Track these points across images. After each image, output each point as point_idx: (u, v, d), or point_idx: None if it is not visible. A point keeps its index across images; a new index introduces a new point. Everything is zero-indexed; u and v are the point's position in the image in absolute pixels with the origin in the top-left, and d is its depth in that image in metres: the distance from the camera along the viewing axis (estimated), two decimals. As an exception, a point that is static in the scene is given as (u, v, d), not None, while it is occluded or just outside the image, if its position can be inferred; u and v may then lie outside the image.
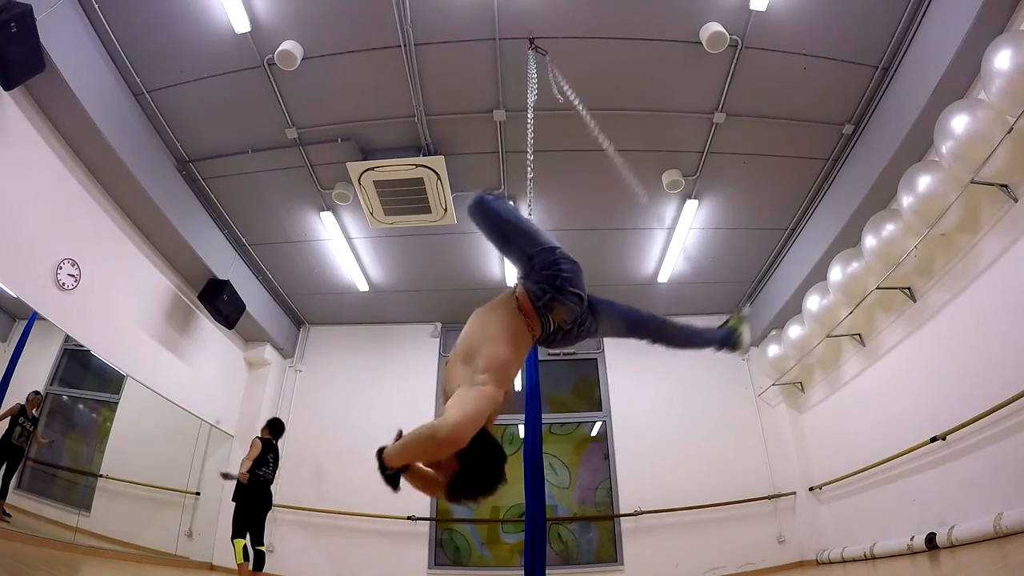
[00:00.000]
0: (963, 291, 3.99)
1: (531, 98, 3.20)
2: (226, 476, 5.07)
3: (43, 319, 4.05)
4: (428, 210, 5.08)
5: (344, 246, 5.94)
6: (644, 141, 4.83)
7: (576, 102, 3.18)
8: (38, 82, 3.53)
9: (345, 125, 4.68)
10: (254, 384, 6.86)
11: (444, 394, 1.85)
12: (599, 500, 6.41)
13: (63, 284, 4.15)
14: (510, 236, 2.07)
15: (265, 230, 5.82)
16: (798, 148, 4.85)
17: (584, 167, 4.96)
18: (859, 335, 5.24)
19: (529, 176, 3.00)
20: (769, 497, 6.05)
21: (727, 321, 2.64)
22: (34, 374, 4.29)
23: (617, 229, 5.76)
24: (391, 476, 1.67)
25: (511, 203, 2.40)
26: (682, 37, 4.02)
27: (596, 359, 7.05)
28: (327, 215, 5.52)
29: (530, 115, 3.14)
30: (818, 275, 5.31)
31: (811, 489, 5.93)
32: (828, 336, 5.37)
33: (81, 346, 4.54)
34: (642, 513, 5.99)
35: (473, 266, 6.34)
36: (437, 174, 4.75)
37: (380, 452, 1.68)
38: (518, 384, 7.50)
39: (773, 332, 6.31)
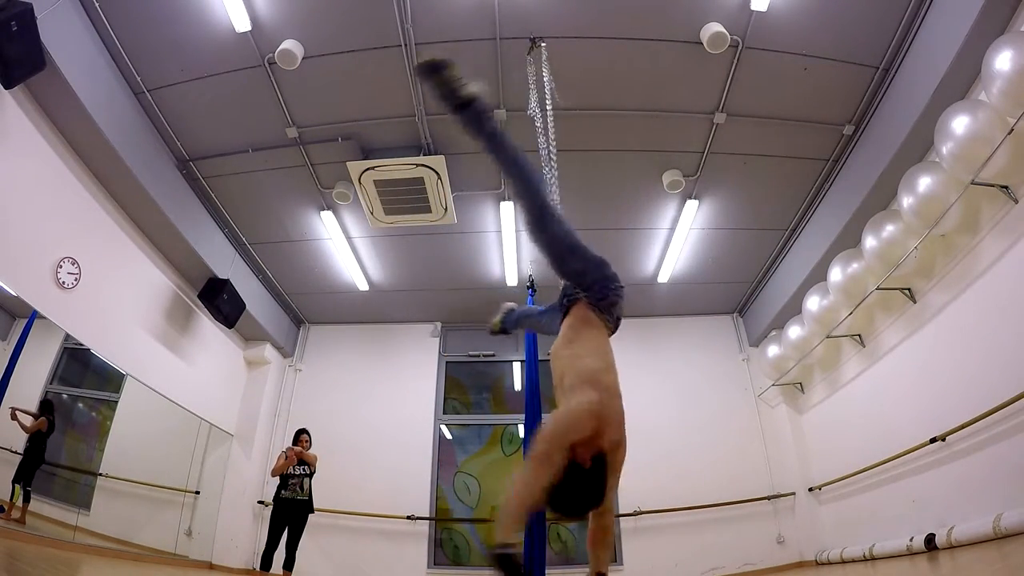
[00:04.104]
0: (963, 292, 3.99)
1: (534, 99, 3.19)
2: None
3: (43, 318, 4.04)
4: (428, 209, 5.08)
5: (344, 245, 5.94)
6: (644, 141, 4.84)
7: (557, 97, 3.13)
8: (38, 81, 3.53)
9: (345, 124, 4.68)
10: (254, 383, 6.85)
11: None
12: (598, 500, 6.40)
13: (63, 283, 4.15)
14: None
15: (265, 229, 5.82)
16: (798, 148, 4.86)
17: (585, 167, 4.96)
18: (859, 336, 5.23)
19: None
20: (768, 497, 6.04)
21: None
22: (34, 373, 4.28)
23: (617, 229, 5.76)
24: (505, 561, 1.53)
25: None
26: (683, 37, 4.02)
27: (596, 359, 7.04)
28: (327, 214, 5.52)
29: (530, 111, 3.13)
30: (818, 276, 5.31)
31: (810, 489, 5.92)
32: (828, 337, 5.37)
33: (81, 345, 4.54)
34: (642, 513, 5.99)
35: (473, 266, 6.34)
36: (437, 173, 4.75)
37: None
38: (518, 384, 7.50)
39: (773, 332, 6.31)
